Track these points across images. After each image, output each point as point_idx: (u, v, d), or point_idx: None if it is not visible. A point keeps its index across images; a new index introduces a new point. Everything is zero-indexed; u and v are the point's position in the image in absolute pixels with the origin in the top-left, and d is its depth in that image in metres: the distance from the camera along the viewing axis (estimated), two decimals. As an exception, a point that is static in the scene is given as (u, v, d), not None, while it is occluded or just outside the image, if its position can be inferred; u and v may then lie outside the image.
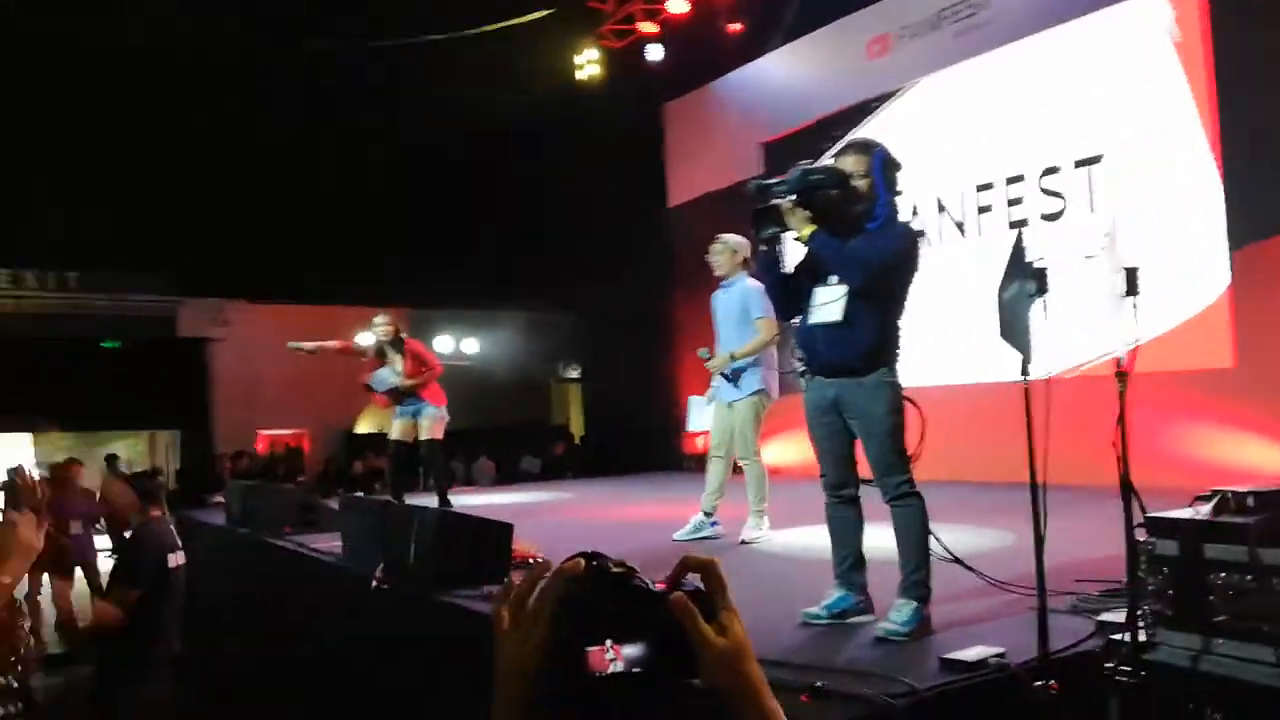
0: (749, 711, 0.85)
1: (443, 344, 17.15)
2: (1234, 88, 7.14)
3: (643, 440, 12.51)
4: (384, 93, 13.51)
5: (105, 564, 9.42)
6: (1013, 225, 8.56)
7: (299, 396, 16.91)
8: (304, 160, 14.60)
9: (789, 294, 3.60)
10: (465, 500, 8.34)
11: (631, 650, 0.82)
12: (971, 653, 2.71)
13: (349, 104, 13.93)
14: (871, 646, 3.07)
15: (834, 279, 3.41)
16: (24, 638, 2.77)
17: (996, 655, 2.69)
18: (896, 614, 3.15)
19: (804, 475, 5.26)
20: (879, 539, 3.47)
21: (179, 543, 4.98)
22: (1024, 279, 2.87)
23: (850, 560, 3.43)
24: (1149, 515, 2.69)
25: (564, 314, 16.36)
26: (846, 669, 2.76)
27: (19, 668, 2.99)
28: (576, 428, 18.98)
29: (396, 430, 7.56)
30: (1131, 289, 2.82)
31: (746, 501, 5.53)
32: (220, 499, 8.54)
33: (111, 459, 14.57)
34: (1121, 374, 2.81)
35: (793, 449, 8.49)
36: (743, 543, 5.37)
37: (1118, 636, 2.68)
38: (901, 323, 3.43)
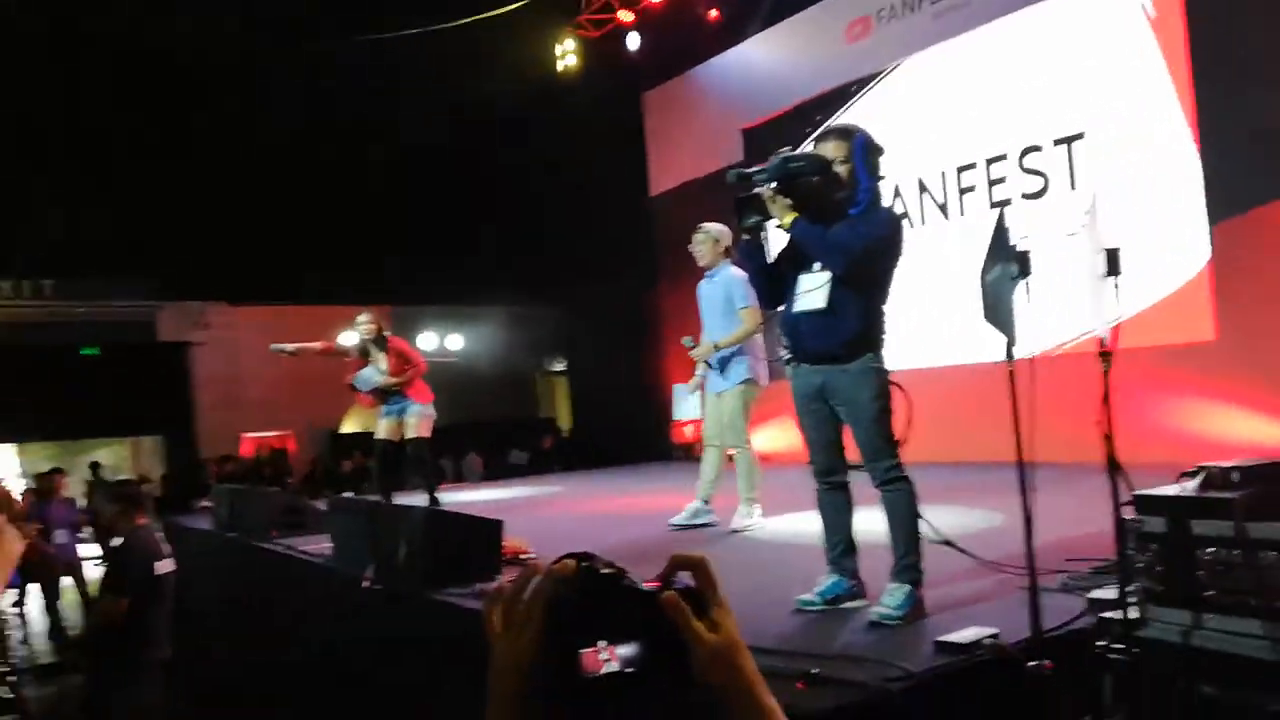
0: (745, 707, 0.85)
1: (427, 340, 17.11)
2: (1210, 62, 7.18)
3: (630, 432, 12.50)
4: (382, 92, 13.47)
5: (92, 572, 9.40)
6: (994, 205, 8.59)
7: (283, 398, 16.85)
8: (303, 160, 14.53)
9: (772, 282, 3.59)
10: (454, 497, 8.33)
11: (625, 650, 0.82)
12: (965, 634, 2.73)
13: (348, 104, 13.88)
14: (865, 631, 3.08)
15: (817, 266, 3.40)
16: (14, 649, 2.76)
17: (990, 636, 2.70)
18: (889, 598, 3.16)
19: (793, 461, 5.27)
20: (869, 523, 3.48)
21: (166, 549, 4.96)
22: (1006, 261, 2.87)
23: (842, 545, 3.44)
24: (1136, 493, 2.70)
25: (548, 307, 16.34)
26: (841, 655, 2.77)
27: (12, 678, 2.97)
28: (564, 421, 18.97)
29: (383, 429, 7.52)
30: (1113, 269, 2.82)
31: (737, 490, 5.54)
32: (207, 503, 8.49)
33: (95, 467, 14.50)
34: (1105, 353, 2.81)
35: (782, 435, 8.51)
36: (734, 531, 5.38)
37: (1109, 614, 2.69)
38: (886, 308, 3.43)
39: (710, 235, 5.67)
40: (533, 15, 11.47)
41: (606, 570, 0.85)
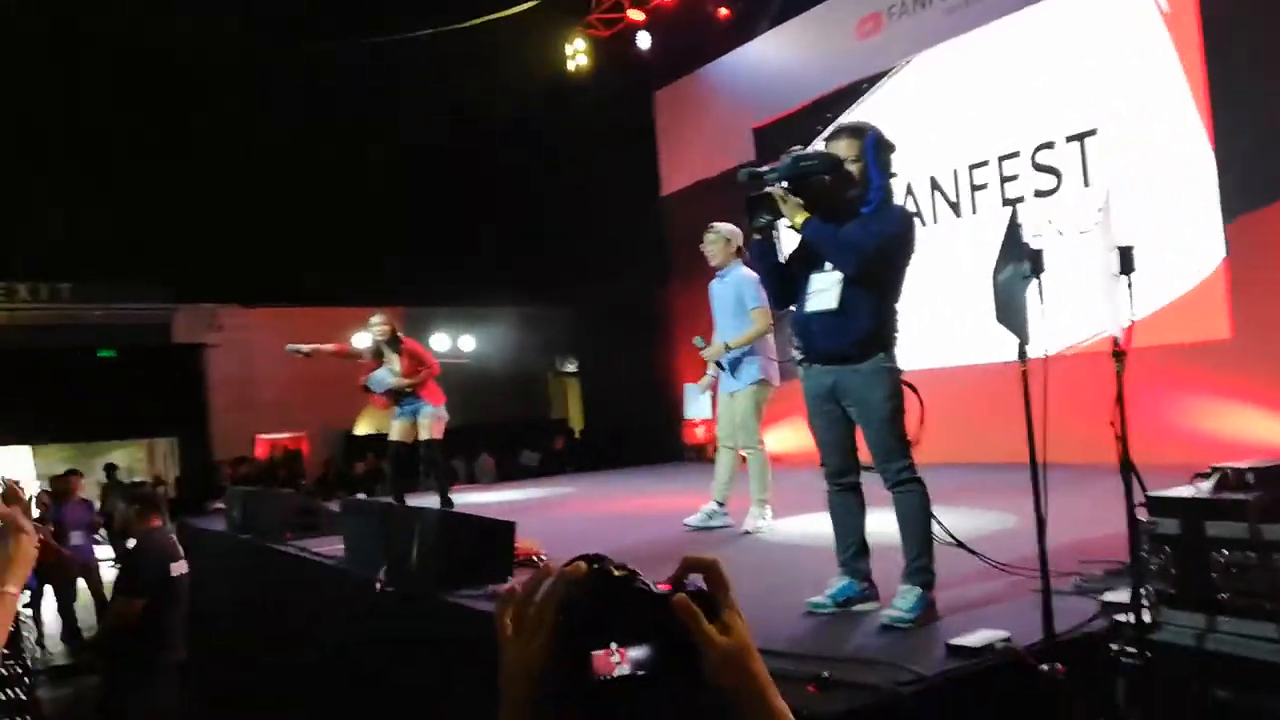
0: (756, 710, 0.85)
1: (439, 342, 17.14)
2: (1224, 58, 7.13)
3: (641, 432, 12.50)
4: (382, 91, 13.49)
5: (108, 573, 9.46)
6: (1007, 203, 8.55)
7: (297, 399, 16.90)
8: (304, 160, 14.57)
9: (784, 282, 3.58)
10: (467, 498, 8.34)
11: (636, 653, 0.82)
12: (977, 637, 2.71)
13: (349, 104, 13.91)
14: (877, 634, 3.07)
15: (829, 265, 3.39)
16: (29, 650, 2.78)
17: (1002, 639, 2.69)
18: (901, 600, 3.15)
19: (805, 462, 5.26)
20: (881, 525, 3.47)
21: (180, 551, 4.99)
22: (1019, 260, 2.85)
23: (854, 548, 3.43)
24: (1150, 494, 2.68)
25: (560, 308, 16.35)
26: (853, 657, 2.76)
27: (26, 680, 2.99)
28: (575, 422, 18.98)
29: (396, 431, 7.54)
30: (1127, 267, 2.81)
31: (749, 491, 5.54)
32: (220, 505, 8.53)
33: (111, 469, 14.57)
34: (1119, 353, 2.80)
35: (793, 436, 8.49)
36: (745, 533, 5.37)
37: (1122, 617, 2.68)
38: (898, 307, 3.41)
39: (721, 235, 5.67)
40: (543, 15, 11.48)
41: (618, 572, 0.85)
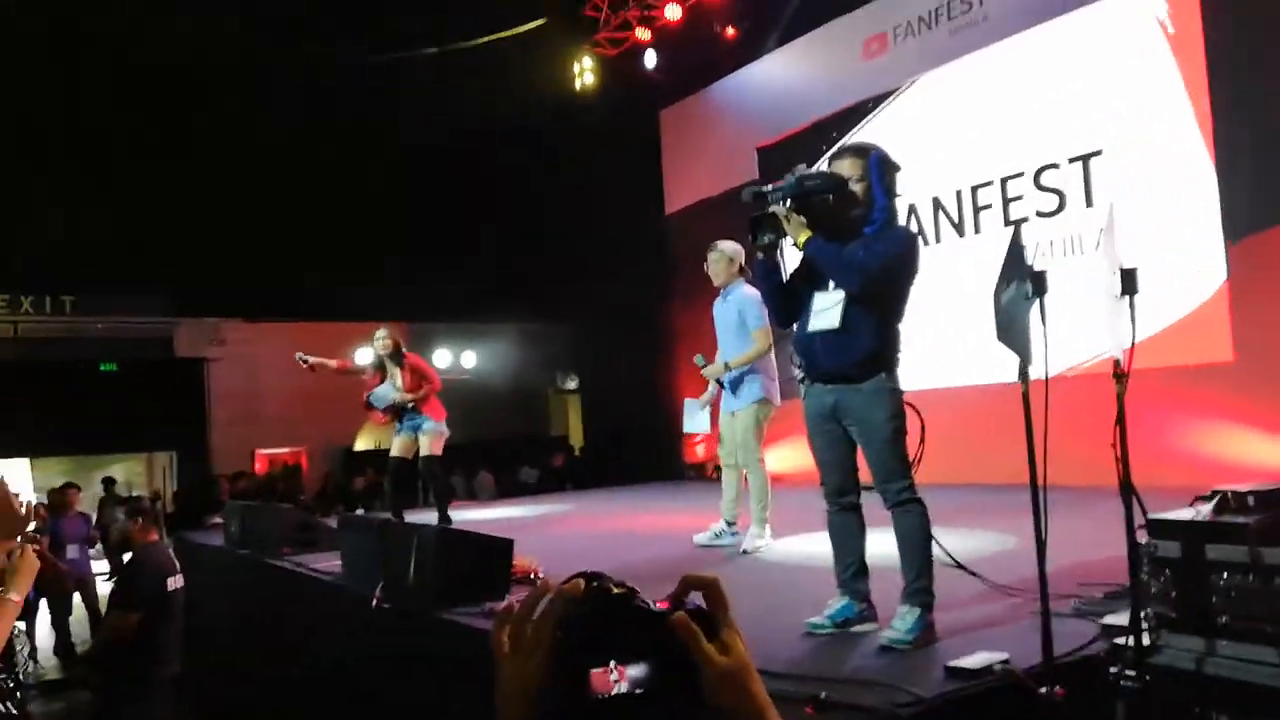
0: (753, 729, 0.85)
1: (441, 358, 17.13)
2: (1228, 80, 7.15)
3: (642, 450, 12.48)
4: (383, 93, 13.52)
5: (103, 587, 9.42)
6: (1010, 223, 8.56)
7: (299, 414, 16.87)
8: (304, 161, 14.60)
9: (787, 301, 3.58)
10: (466, 515, 8.32)
11: (635, 671, 0.81)
12: (976, 659, 2.70)
13: (349, 105, 13.94)
14: (876, 655, 3.05)
15: (832, 285, 3.39)
16: (21, 664, 2.77)
17: (1001, 661, 2.68)
18: (900, 622, 3.13)
19: (805, 482, 5.25)
20: (880, 545, 3.46)
21: (177, 566, 4.98)
22: (1021, 280, 2.85)
23: (853, 568, 3.41)
24: (1150, 517, 2.68)
25: (561, 325, 16.35)
26: (851, 679, 2.75)
27: (18, 694, 2.97)
28: (575, 439, 18.96)
29: (397, 447, 7.52)
30: (1129, 288, 2.80)
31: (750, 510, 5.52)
32: (218, 520, 8.51)
33: (109, 482, 14.55)
34: (1120, 374, 2.79)
35: (794, 455, 8.47)
36: (744, 552, 5.36)
37: (1122, 640, 2.66)
38: (901, 327, 3.41)
39: (724, 254, 5.68)
40: (551, 34, 11.54)
41: (617, 590, 0.84)
